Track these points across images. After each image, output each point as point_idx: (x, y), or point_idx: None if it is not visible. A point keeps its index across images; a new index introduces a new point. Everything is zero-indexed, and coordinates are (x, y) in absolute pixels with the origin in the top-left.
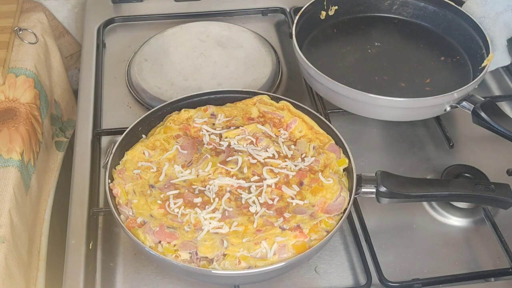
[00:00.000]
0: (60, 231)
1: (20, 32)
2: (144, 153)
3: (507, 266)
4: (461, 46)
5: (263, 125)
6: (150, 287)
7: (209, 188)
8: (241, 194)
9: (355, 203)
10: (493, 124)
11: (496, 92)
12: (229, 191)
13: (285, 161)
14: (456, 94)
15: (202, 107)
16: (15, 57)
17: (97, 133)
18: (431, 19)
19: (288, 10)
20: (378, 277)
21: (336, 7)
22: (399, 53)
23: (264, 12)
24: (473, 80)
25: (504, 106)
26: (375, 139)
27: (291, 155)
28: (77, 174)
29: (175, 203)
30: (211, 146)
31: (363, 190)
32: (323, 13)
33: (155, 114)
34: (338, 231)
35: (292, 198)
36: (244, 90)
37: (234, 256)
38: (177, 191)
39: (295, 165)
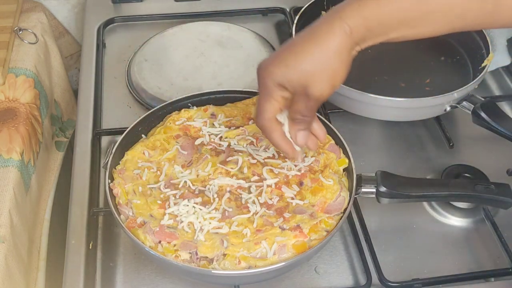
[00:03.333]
0: (60, 231)
1: (20, 32)
2: (144, 153)
3: (507, 266)
4: (461, 46)
5: None
6: (150, 287)
7: (209, 188)
8: (241, 194)
9: (355, 203)
10: (493, 124)
11: (496, 92)
12: (229, 191)
13: (285, 161)
14: (456, 94)
15: (202, 107)
16: (15, 57)
17: (97, 133)
18: None
19: (288, 10)
20: (378, 277)
21: None
22: (399, 53)
23: (264, 12)
24: (473, 80)
25: (504, 106)
26: (375, 139)
27: None
28: (77, 174)
29: (175, 203)
30: (211, 146)
31: (363, 190)
32: (323, 13)
33: (155, 114)
34: (338, 231)
35: (292, 198)
36: (244, 90)
37: (234, 256)
38: (177, 191)
39: (295, 165)
